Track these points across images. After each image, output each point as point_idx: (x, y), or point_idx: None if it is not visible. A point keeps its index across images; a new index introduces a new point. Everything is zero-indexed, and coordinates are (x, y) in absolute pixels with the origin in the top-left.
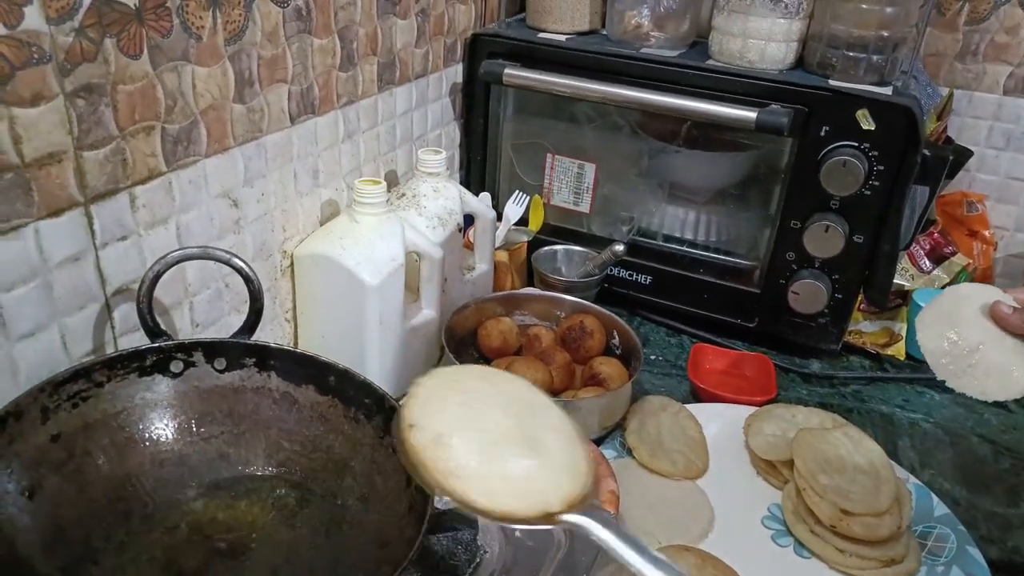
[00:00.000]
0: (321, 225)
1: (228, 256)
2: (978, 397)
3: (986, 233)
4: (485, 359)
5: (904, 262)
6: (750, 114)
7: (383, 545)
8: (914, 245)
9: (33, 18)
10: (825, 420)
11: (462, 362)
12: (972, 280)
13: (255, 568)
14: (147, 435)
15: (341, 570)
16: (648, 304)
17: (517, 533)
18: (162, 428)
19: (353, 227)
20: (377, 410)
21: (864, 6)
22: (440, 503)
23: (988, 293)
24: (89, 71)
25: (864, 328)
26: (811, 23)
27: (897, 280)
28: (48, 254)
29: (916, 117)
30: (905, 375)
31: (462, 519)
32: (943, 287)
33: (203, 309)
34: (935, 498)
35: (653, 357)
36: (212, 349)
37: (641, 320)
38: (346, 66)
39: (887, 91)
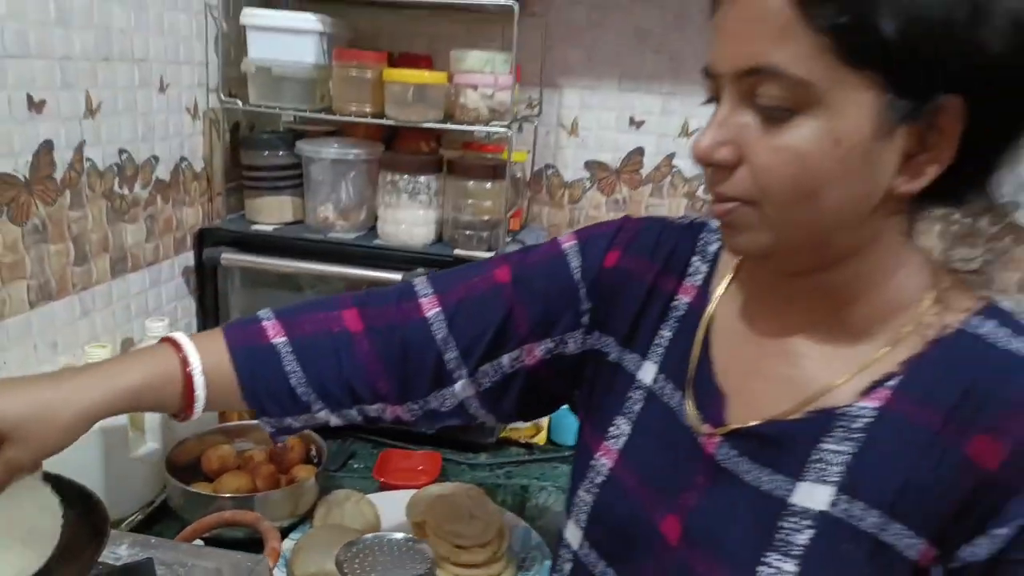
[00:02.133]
0: None
1: None
2: None
3: None
4: (208, 479)
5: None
6: (396, 276)
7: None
8: None
9: None
10: (467, 490)
11: (187, 484)
12: None
13: None
14: None
15: None
16: (356, 427)
17: None
18: None
19: None
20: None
21: (470, 201)
22: None
23: None
24: None
25: (521, 426)
26: (442, 211)
27: None
28: None
29: None
30: (541, 457)
31: None
32: None
33: None
34: (534, 533)
35: (357, 465)
36: None
37: (353, 439)
38: (80, 262)
39: (491, 254)
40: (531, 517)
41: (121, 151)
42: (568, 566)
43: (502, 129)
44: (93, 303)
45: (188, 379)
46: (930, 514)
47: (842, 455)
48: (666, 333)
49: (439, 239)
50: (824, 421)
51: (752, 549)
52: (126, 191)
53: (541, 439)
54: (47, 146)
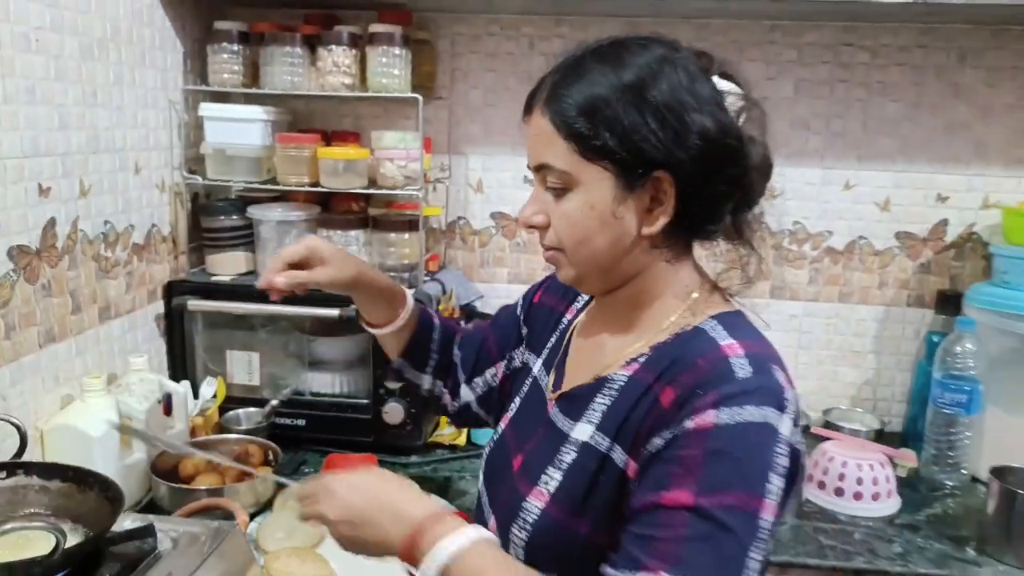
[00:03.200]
0: (61, 409)
1: (6, 417)
2: None
3: None
4: (184, 482)
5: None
6: (334, 312)
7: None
8: None
9: None
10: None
11: (166, 482)
12: None
13: None
14: None
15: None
16: (307, 439)
17: None
18: None
19: (82, 406)
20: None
21: (392, 249)
22: None
23: None
24: None
25: (446, 432)
26: (370, 258)
27: None
28: None
29: (425, 304)
30: (462, 455)
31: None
32: None
33: None
34: (453, 508)
35: (308, 470)
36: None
37: (305, 449)
38: (76, 311)
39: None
40: (452, 499)
41: (106, 222)
42: (477, 499)
43: (415, 191)
44: (86, 344)
45: (402, 305)
46: (634, 438)
47: (603, 405)
48: (552, 339)
49: None
50: (600, 385)
51: (542, 467)
52: (110, 254)
53: (462, 441)
54: (51, 222)
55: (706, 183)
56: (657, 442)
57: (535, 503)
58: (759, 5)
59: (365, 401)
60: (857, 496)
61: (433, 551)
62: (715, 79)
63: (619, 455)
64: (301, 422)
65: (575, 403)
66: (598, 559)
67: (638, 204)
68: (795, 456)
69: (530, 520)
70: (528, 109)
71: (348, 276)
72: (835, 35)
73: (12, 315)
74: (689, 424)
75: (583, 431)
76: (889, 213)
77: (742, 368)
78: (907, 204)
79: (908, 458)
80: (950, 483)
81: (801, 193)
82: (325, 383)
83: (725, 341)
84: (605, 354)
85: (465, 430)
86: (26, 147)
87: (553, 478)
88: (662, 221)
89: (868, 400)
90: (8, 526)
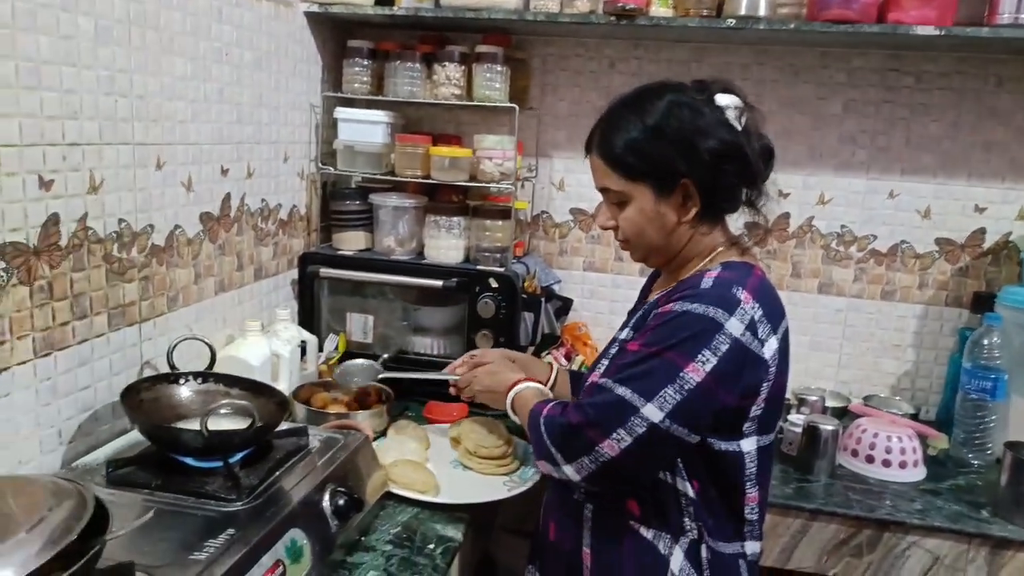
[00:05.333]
0: (227, 344)
1: (203, 338)
2: None
3: (590, 342)
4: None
5: (550, 360)
6: (438, 282)
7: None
8: (555, 351)
9: None
10: (485, 419)
11: (305, 406)
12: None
13: None
14: (174, 402)
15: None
16: (409, 390)
17: None
18: (180, 399)
19: (244, 342)
20: (265, 392)
21: (487, 233)
22: None
23: None
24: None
25: None
26: (468, 240)
27: None
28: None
29: (514, 281)
30: None
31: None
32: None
33: (183, 359)
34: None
35: (411, 414)
36: (197, 375)
37: (408, 399)
38: (239, 269)
39: (502, 270)
40: None
41: (262, 200)
42: None
43: (509, 186)
44: (245, 296)
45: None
46: (638, 326)
47: (635, 315)
48: (639, 314)
49: (466, 259)
50: (650, 308)
51: (599, 363)
52: (264, 226)
53: None
54: (227, 196)
55: (720, 180)
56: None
57: (592, 379)
58: (812, 35)
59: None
60: (885, 463)
61: (512, 391)
62: (717, 97)
63: (628, 334)
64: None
65: (638, 319)
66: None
67: (674, 203)
68: (738, 347)
69: (586, 389)
70: (587, 149)
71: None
72: (882, 61)
73: (200, 266)
74: (657, 310)
75: (624, 333)
76: (930, 220)
77: (706, 284)
78: (947, 213)
79: (939, 439)
80: (976, 462)
81: (848, 200)
82: (426, 345)
83: (711, 271)
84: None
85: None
86: (214, 136)
87: (601, 364)
88: (693, 211)
89: (907, 390)
90: (224, 402)
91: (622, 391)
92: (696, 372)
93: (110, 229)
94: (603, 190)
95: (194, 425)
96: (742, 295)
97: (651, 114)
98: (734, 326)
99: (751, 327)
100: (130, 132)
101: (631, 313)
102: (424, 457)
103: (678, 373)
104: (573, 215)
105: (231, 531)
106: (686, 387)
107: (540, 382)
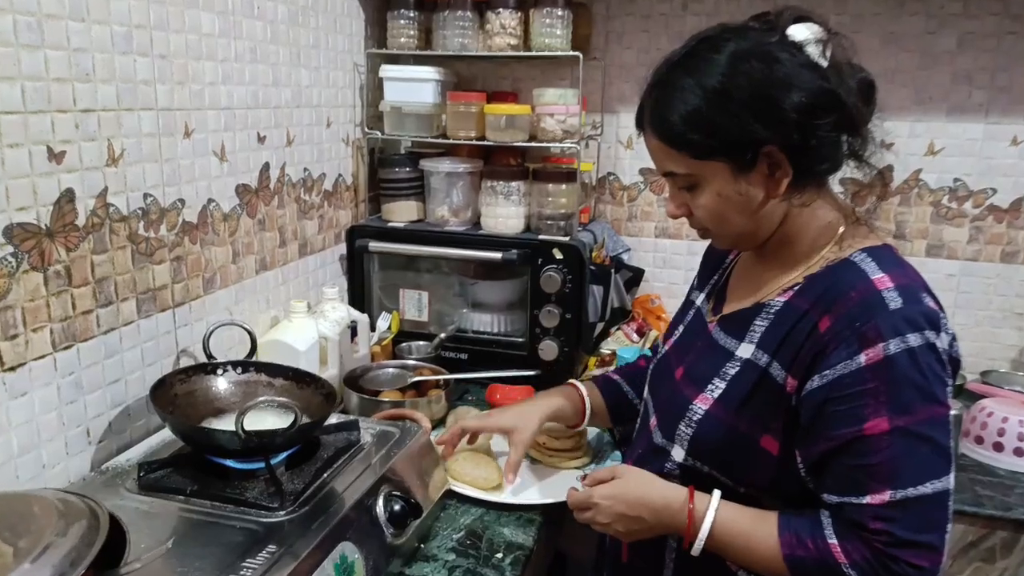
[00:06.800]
0: (271, 328)
1: (243, 324)
2: None
3: (663, 316)
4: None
5: (620, 336)
6: (497, 254)
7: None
8: (625, 327)
9: None
10: None
11: (357, 393)
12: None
13: None
14: (211, 395)
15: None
16: (468, 370)
17: None
18: (217, 392)
19: (289, 325)
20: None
21: (549, 199)
22: None
23: None
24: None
25: (595, 373)
26: (528, 208)
27: (612, 345)
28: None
29: (581, 251)
30: None
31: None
32: (647, 348)
33: (222, 346)
34: (606, 435)
35: (471, 398)
36: (236, 364)
37: (467, 382)
38: (282, 245)
39: (567, 239)
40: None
41: (305, 169)
42: (643, 406)
43: (572, 145)
44: (289, 274)
45: (582, 403)
46: (793, 358)
47: (762, 327)
48: (715, 276)
49: (527, 228)
50: (759, 309)
51: (707, 377)
52: (307, 197)
53: None
54: (266, 166)
55: (812, 138)
56: (828, 375)
57: (700, 405)
58: None
59: (521, 339)
60: (1018, 452)
61: (702, 526)
62: (790, 31)
63: (777, 370)
64: (464, 356)
65: (736, 324)
66: (750, 455)
67: (758, 177)
68: (953, 363)
69: (694, 419)
70: (639, 126)
71: (536, 427)
72: None
73: (238, 244)
74: (862, 359)
75: (746, 349)
76: None
77: (893, 300)
78: None
79: None
80: None
81: (962, 149)
82: (485, 322)
83: (876, 275)
84: (762, 284)
85: (613, 364)
86: (248, 100)
87: (718, 387)
88: (785, 182)
89: None
90: (262, 398)
91: (930, 487)
92: (946, 409)
93: (135, 205)
94: (667, 174)
95: (231, 423)
96: (930, 302)
97: (710, 73)
98: (943, 342)
99: (948, 332)
100: (152, 96)
101: (701, 277)
102: (488, 449)
103: (944, 424)
104: (643, 175)
105: (272, 547)
106: (948, 427)
107: (578, 411)
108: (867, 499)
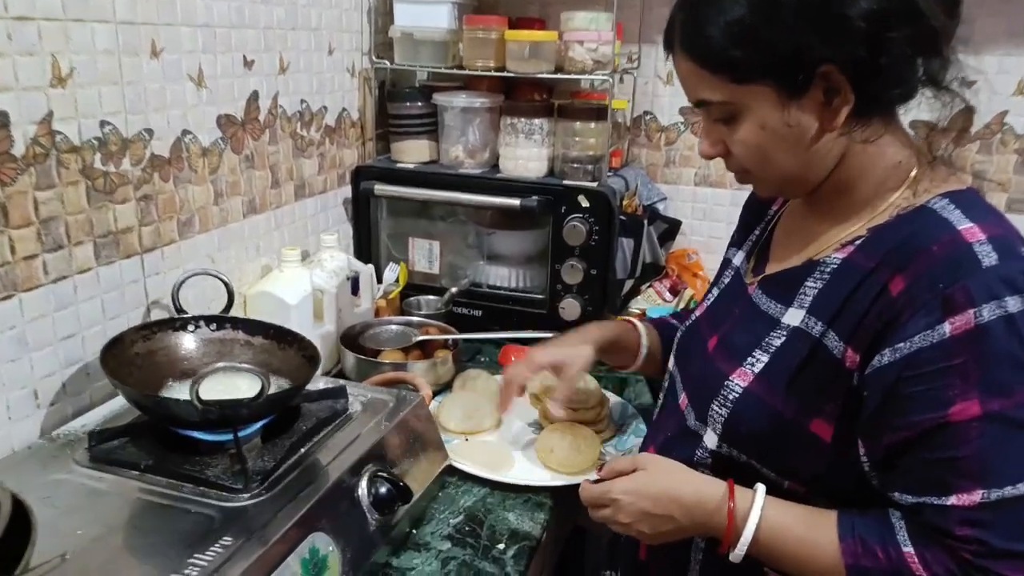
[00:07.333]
0: (261, 277)
1: (217, 272)
2: None
3: (701, 273)
4: (371, 355)
5: (651, 294)
6: (515, 201)
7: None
8: (658, 284)
9: None
10: None
11: (354, 353)
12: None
13: None
14: (178, 355)
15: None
16: (481, 328)
17: None
18: (186, 351)
19: (280, 275)
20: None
21: (576, 139)
22: None
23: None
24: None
25: None
26: (553, 149)
27: (642, 304)
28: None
29: (610, 198)
30: None
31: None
32: (680, 308)
33: (203, 298)
34: (630, 407)
35: (483, 359)
36: (210, 319)
37: (479, 343)
38: (275, 186)
39: (595, 185)
40: (628, 399)
41: (302, 101)
42: (667, 381)
43: (605, 78)
44: (283, 219)
45: (637, 340)
46: (856, 328)
47: (814, 289)
48: (756, 231)
49: (551, 172)
50: (811, 268)
51: (748, 348)
52: (305, 133)
53: None
54: (254, 95)
55: (882, 54)
56: (902, 348)
57: (738, 382)
58: None
59: (541, 296)
60: None
61: (744, 528)
62: None
63: (834, 342)
64: (478, 312)
65: (782, 286)
66: (796, 443)
67: (811, 104)
68: None
69: (731, 397)
70: (668, 47)
71: (589, 359)
72: None
73: (220, 182)
74: (946, 329)
75: (794, 316)
76: None
77: (987, 255)
78: None
79: None
80: None
81: None
82: (502, 276)
83: (964, 225)
84: (815, 238)
85: None
86: (231, 18)
87: (760, 360)
88: (844, 111)
89: None
90: (220, 364)
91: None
92: None
93: (89, 134)
94: (700, 103)
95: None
96: None
97: None
98: None
99: None
100: (109, 6)
101: (740, 232)
102: (496, 419)
103: None
104: (684, 116)
105: (227, 539)
106: None
107: (632, 349)
108: (953, 500)
